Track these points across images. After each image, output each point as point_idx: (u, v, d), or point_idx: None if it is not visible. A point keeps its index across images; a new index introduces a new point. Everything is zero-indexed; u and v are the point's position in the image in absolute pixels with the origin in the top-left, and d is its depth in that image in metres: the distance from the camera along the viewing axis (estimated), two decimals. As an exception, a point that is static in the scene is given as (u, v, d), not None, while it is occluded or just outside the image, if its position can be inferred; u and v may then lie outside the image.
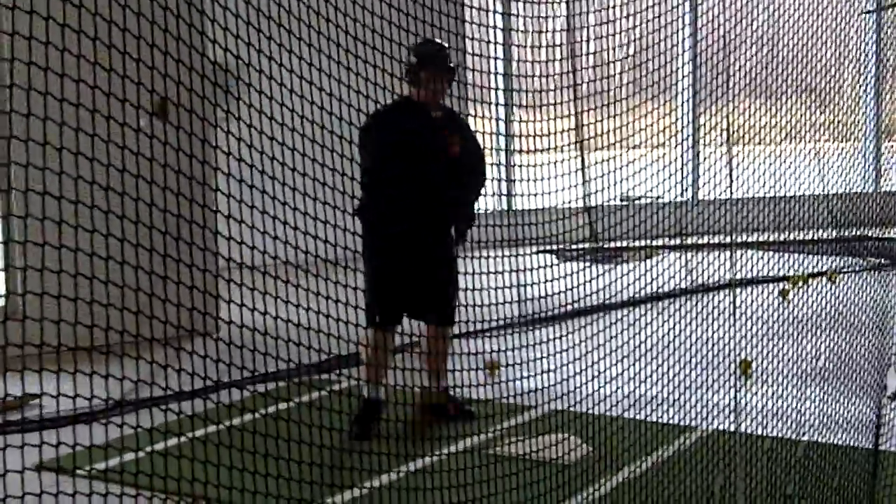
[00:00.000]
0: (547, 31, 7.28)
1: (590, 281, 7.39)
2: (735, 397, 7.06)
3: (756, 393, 8.14)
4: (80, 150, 4.26)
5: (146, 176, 4.67)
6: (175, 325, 4.96)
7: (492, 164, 7.78)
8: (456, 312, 7.66)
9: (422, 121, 7.34)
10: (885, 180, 7.36)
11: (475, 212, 7.77)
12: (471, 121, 8.10)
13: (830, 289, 8.04)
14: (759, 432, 7.29)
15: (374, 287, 7.40)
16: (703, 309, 7.33)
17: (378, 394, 7.37)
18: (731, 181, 7.28)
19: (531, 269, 7.13)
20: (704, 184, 7.62)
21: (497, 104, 7.66)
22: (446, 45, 7.30)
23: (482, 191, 7.74)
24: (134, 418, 5.34)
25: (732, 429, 7.20)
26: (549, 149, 7.30)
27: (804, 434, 7.09)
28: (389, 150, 7.30)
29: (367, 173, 7.34)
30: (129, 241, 4.71)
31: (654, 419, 7.38)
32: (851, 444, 6.98)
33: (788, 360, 7.95)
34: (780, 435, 7.22)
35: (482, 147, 7.72)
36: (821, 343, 7.71)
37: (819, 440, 7.00)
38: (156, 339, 4.88)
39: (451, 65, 7.43)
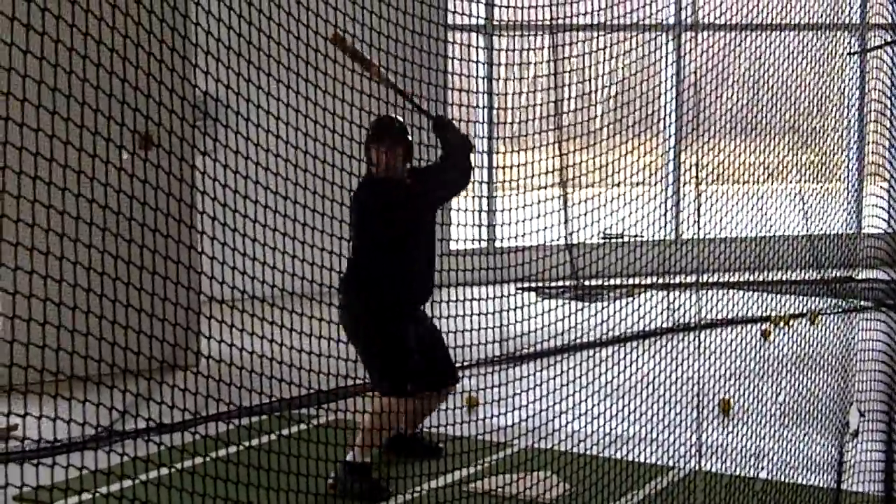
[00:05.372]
0: (531, 75, 7.30)
1: (569, 317, 7.40)
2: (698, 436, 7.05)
3: (733, 432, 8.14)
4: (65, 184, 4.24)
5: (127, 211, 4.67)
6: (155, 358, 4.96)
7: (477, 207, 7.68)
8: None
9: (384, 197, 7.27)
10: (868, 222, 7.39)
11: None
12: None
13: (811, 330, 8.05)
14: (738, 472, 7.29)
15: (400, 355, 7.27)
16: (683, 348, 7.34)
17: (368, 457, 7.21)
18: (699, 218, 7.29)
19: (511, 306, 7.14)
20: (684, 221, 7.62)
21: (479, 137, 7.64)
22: (398, 117, 7.20)
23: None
24: (113, 450, 5.30)
25: (712, 468, 7.21)
26: (529, 179, 7.31)
27: (785, 475, 7.10)
28: (366, 231, 7.26)
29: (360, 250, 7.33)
30: (108, 275, 4.70)
31: (634, 458, 7.37)
32: (817, 483, 7.01)
33: (766, 400, 7.96)
34: (764, 475, 7.23)
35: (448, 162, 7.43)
36: (798, 384, 7.72)
37: (790, 481, 7.03)
38: (133, 372, 4.87)
39: (395, 133, 7.23)
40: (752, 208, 8.79)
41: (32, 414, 4.49)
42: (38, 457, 6.61)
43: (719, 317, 9.21)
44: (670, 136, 11.60)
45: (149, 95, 4.63)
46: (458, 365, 7.67)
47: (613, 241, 8.20)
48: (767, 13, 8.03)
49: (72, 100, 4.16)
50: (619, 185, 7.54)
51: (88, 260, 4.50)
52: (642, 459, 7.36)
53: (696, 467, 7.22)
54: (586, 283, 11.86)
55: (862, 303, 9.73)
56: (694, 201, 10.37)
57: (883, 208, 7.08)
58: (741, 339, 9.28)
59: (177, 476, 5.62)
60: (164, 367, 5.24)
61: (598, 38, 7.58)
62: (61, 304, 4.31)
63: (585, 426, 7.06)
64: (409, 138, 7.26)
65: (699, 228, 7.97)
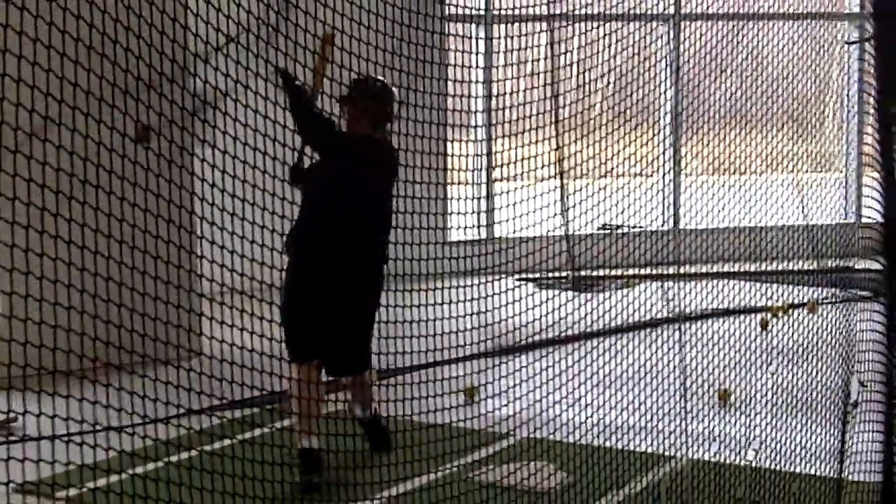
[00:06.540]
0: (529, 59, 7.29)
1: (567, 307, 7.40)
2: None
3: (733, 422, 8.14)
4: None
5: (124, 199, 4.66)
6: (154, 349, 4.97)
7: (474, 198, 7.64)
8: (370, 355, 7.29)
9: (356, 157, 7.01)
10: (866, 211, 7.38)
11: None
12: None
13: (811, 320, 8.05)
14: (737, 462, 7.28)
15: (294, 319, 7.00)
16: (681, 338, 7.33)
17: (311, 443, 6.87)
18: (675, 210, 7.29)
19: (508, 296, 7.13)
20: (686, 213, 7.63)
21: (477, 126, 7.62)
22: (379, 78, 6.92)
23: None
24: (115, 440, 5.30)
25: (711, 458, 7.20)
26: (528, 172, 7.31)
27: (786, 464, 7.09)
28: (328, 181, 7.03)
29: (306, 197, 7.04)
30: (109, 269, 4.69)
31: (633, 448, 7.36)
32: (819, 472, 7.00)
33: (766, 390, 7.95)
34: (760, 465, 7.22)
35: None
36: (798, 373, 7.71)
37: (792, 469, 7.02)
38: (134, 363, 4.89)
39: (354, 90, 6.94)
40: (749, 198, 8.77)
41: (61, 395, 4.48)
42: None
43: (718, 307, 9.20)
44: (665, 125, 11.60)
45: (138, 77, 4.63)
46: (454, 356, 7.61)
47: (611, 231, 8.20)
48: (765, 1, 8.04)
49: (65, 81, 4.16)
50: (612, 172, 7.54)
51: (82, 240, 4.50)
52: (641, 449, 7.35)
53: (695, 457, 7.21)
54: (585, 273, 11.85)
55: (860, 292, 9.72)
56: (678, 184, 10.36)
57: (879, 194, 7.05)
58: (740, 329, 9.27)
59: (197, 461, 5.64)
60: (174, 353, 5.26)
61: (595, 27, 7.58)
62: (57, 281, 4.31)
63: (582, 415, 7.06)
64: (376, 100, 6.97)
65: (677, 216, 7.96)
